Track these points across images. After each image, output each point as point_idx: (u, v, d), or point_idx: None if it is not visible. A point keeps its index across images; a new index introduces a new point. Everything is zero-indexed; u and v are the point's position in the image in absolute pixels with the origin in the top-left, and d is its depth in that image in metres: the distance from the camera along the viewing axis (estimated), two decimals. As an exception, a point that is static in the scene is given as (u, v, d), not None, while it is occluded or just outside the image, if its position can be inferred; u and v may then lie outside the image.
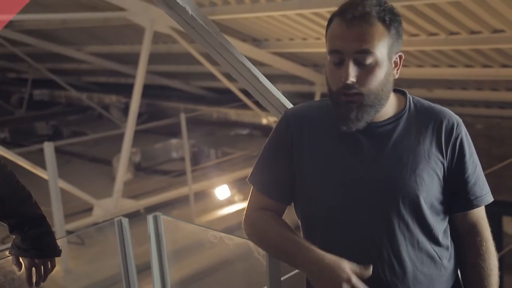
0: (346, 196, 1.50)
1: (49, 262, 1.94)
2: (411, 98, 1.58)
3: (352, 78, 1.40)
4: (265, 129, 11.67)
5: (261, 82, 1.79)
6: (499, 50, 6.43)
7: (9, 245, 1.86)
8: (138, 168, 10.70)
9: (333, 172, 1.51)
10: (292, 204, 1.65)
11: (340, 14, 1.43)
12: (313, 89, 9.54)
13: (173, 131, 11.36)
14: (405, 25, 6.27)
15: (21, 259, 1.89)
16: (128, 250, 2.24)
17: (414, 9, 5.72)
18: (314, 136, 1.56)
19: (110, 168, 10.41)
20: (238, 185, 8.50)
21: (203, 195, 8.43)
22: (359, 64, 1.41)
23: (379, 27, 1.41)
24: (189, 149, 9.76)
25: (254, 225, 1.61)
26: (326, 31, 1.48)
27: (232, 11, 7.06)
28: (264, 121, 11.36)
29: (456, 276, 1.60)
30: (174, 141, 11.31)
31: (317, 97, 9.39)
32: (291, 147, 1.57)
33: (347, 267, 1.39)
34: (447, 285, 1.56)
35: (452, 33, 6.24)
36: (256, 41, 8.50)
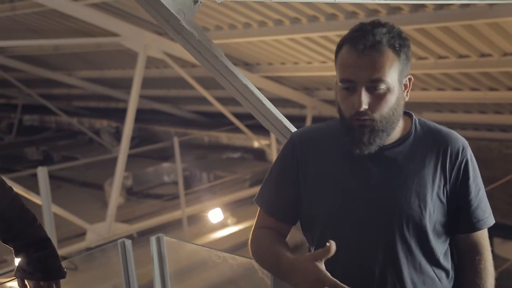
0: (350, 217, 1.53)
1: (54, 285, 1.94)
2: (417, 120, 1.60)
3: (364, 106, 1.44)
4: (256, 152, 11.71)
5: (265, 105, 1.84)
6: (486, 73, 6.57)
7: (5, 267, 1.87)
8: (130, 192, 10.65)
9: (338, 193, 1.54)
10: (299, 224, 1.68)
11: (350, 42, 1.46)
12: (304, 112, 9.63)
13: (165, 155, 11.36)
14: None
15: (26, 282, 1.90)
16: (131, 272, 2.25)
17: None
18: (319, 157, 1.59)
19: (101, 192, 10.36)
20: (230, 208, 8.50)
21: (196, 219, 8.41)
22: (371, 91, 1.45)
23: (389, 55, 1.44)
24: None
25: (255, 243, 1.64)
26: (336, 56, 1.52)
27: (225, 36, 7.15)
28: (256, 144, 11.41)
29: None
30: (165, 165, 11.30)
31: (308, 121, 9.47)
32: (297, 169, 1.60)
33: (313, 266, 1.36)
34: None
35: (441, 57, 6.37)
36: (247, 65, 8.60)
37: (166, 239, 2.24)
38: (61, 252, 6.65)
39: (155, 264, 2.24)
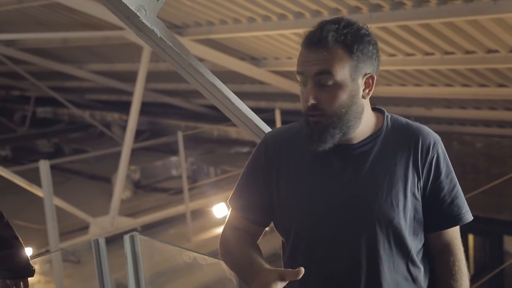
0: (323, 219, 1.50)
1: (21, 283, 1.93)
2: (388, 116, 1.57)
3: (312, 100, 1.44)
4: (265, 147, 11.65)
5: (232, 102, 1.80)
6: (494, 69, 6.44)
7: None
8: (138, 186, 10.68)
9: (310, 194, 1.52)
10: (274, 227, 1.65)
11: (303, 40, 1.48)
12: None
13: (174, 149, 11.36)
14: (400, 44, 6.31)
15: (-7, 280, 1.89)
16: (105, 271, 2.22)
17: (409, 29, 5.75)
18: (292, 159, 1.57)
19: (109, 185, 10.41)
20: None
21: (201, 213, 8.40)
22: (321, 86, 1.43)
23: (337, 50, 1.42)
24: (188, 167, 9.74)
25: (224, 243, 1.61)
26: None
27: (229, 30, 7.11)
28: (264, 139, 11.34)
29: None
30: (174, 158, 11.29)
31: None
32: (270, 170, 1.58)
33: (272, 276, 1.34)
34: None
35: (447, 53, 6.26)
36: (254, 60, 8.54)
37: (140, 237, 2.21)
38: (62, 245, 6.70)
39: (128, 263, 2.21)
